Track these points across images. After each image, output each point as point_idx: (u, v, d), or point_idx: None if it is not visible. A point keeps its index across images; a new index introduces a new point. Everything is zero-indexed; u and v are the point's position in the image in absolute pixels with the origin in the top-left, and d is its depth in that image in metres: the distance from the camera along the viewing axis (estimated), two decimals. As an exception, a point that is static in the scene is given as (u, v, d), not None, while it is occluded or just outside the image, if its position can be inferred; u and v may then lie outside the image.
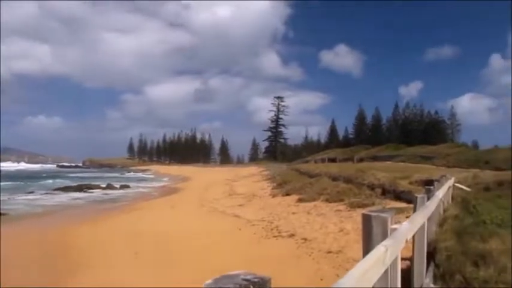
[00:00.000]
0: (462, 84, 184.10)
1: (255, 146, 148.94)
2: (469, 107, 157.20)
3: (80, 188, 43.22)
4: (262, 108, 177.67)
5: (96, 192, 41.31)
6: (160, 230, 15.34)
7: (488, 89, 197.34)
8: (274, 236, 13.45)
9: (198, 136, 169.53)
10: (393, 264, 2.68)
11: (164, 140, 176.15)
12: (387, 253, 2.20)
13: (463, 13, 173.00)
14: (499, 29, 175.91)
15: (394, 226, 2.88)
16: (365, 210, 3.35)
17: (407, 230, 2.96)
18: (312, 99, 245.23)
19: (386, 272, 2.59)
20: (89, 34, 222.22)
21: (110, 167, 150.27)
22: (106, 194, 39.81)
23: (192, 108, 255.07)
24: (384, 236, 2.69)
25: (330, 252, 10.94)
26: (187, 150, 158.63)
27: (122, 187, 48.02)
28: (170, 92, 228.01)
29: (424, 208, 4.49)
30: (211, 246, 12.23)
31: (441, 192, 8.25)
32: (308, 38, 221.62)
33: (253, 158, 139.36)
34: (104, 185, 47.81)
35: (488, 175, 20.02)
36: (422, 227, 4.47)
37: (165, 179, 71.75)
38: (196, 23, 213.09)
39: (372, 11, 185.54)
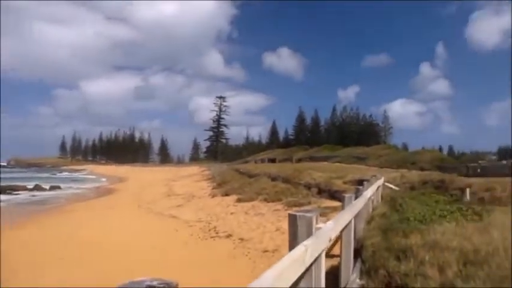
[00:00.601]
0: (395, 90, 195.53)
1: (196, 146, 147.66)
2: (400, 112, 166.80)
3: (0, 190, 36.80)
4: (204, 107, 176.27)
5: (23, 194, 37.10)
6: (92, 234, 14.68)
7: (418, 95, 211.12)
8: (212, 237, 13.41)
9: (137, 135, 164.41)
10: (317, 262, 2.77)
11: (100, 139, 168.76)
12: (307, 252, 2.27)
13: (397, 24, 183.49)
14: (428, 40, 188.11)
15: (319, 225, 2.98)
16: (294, 210, 3.44)
17: (331, 229, 3.08)
18: (254, 100, 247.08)
19: (309, 270, 2.67)
20: (20, 22, 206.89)
21: (39, 166, 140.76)
22: (34, 195, 36.24)
23: (131, 106, 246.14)
24: (309, 235, 2.78)
25: (266, 251, 11.11)
26: (125, 149, 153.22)
27: (52, 188, 44.17)
28: (108, 88, 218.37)
29: (351, 207, 4.69)
30: (146, 249, 11.92)
31: (370, 192, 8.66)
32: (252, 40, 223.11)
33: (194, 158, 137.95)
34: (30, 186, 43.50)
35: (414, 175, 21.39)
36: (349, 225, 4.66)
37: (102, 179, 68.67)
38: (139, 19, 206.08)
39: (316, 16, 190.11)
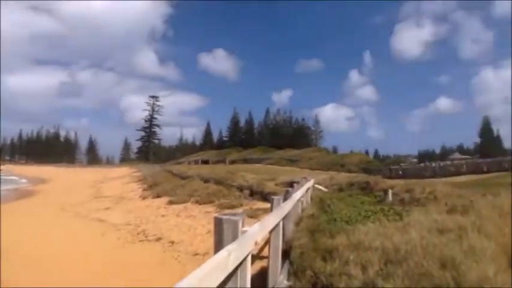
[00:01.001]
0: (326, 95, 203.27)
1: (126, 146, 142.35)
2: (331, 116, 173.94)
3: None
4: (136, 107, 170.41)
5: None
6: (7, 239, 13.46)
7: (347, 100, 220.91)
8: (140, 241, 12.90)
9: (62, 134, 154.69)
10: (242, 266, 2.70)
11: (20, 137, 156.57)
12: (230, 257, 2.18)
13: (328, 31, 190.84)
14: (357, 49, 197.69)
15: (245, 229, 2.91)
16: (220, 213, 3.34)
17: (257, 232, 3.02)
18: (188, 100, 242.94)
19: (234, 275, 2.59)
20: None
21: None
22: None
23: (55, 103, 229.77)
24: (235, 238, 2.70)
25: (196, 254, 10.89)
26: (49, 149, 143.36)
27: (-45, 190, 39.03)
28: (29, 83, 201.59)
29: (279, 209, 4.69)
30: (69, 255, 11.15)
31: (299, 194, 8.80)
32: (187, 40, 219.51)
33: (125, 159, 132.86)
34: None
35: (342, 177, 22.29)
36: (277, 227, 4.65)
37: (22, 180, 63.47)
38: (66, 11, 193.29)
39: (251, 19, 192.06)
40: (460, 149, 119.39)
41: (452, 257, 4.65)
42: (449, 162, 60.63)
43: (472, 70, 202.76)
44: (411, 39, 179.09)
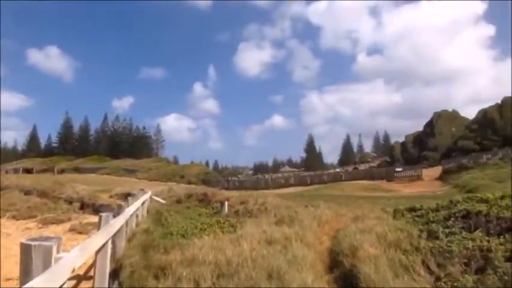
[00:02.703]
0: (169, 105, 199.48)
1: None
2: (174, 126, 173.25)
3: None
4: None
5: None
6: None
7: (190, 111, 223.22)
8: None
9: None
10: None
11: None
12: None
13: (174, 41, 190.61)
14: (202, 62, 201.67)
15: (61, 255, 2.53)
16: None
17: (75, 257, 2.67)
18: (9, 99, 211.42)
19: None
20: None
21: None
22: None
23: None
24: (47, 267, 2.31)
25: (9, 279, 9.35)
26: None
27: None
28: None
29: (108, 227, 4.32)
30: None
31: (133, 207, 8.37)
32: (14, 33, 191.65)
33: None
34: None
35: (181, 188, 22.21)
36: (104, 246, 4.27)
37: None
38: None
39: (92, 19, 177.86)
40: (289, 163, 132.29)
41: (278, 267, 4.96)
42: (280, 175, 66.34)
43: (301, 92, 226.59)
44: (252, 59, 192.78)
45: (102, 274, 4.38)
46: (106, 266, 4.39)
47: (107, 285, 4.55)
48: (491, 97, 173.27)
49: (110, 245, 4.51)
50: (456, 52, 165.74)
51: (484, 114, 47.91)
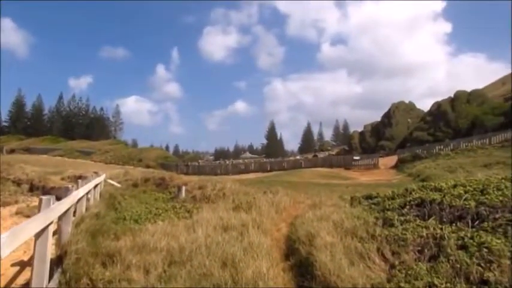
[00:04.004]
0: (130, 87, 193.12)
1: None
2: (134, 108, 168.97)
3: None
4: None
5: None
6: None
7: (152, 94, 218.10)
8: None
9: None
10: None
11: None
12: None
13: (138, 22, 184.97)
14: (166, 44, 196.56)
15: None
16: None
17: (1, 245, 2.36)
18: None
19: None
20: None
21: None
22: None
23: None
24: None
25: None
26: None
27: None
28: None
29: (48, 211, 3.98)
30: None
31: (82, 191, 7.96)
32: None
33: None
34: None
35: (138, 172, 21.62)
36: (44, 231, 3.94)
37: None
38: None
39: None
40: (250, 149, 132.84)
41: (232, 255, 4.81)
42: (240, 161, 66.38)
43: (265, 79, 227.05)
44: (217, 43, 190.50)
45: (42, 261, 4.05)
46: (46, 253, 4.06)
47: (47, 274, 4.23)
48: (446, 91, 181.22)
49: (50, 231, 4.17)
50: (415, 47, 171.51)
51: (437, 107, 49.73)
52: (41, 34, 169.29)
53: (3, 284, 5.33)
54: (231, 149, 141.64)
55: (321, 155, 63.29)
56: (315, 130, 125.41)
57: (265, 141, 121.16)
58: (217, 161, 76.72)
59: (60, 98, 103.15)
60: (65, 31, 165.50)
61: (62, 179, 19.03)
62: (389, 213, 5.83)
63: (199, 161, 75.30)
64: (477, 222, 4.64)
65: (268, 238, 5.92)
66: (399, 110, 59.74)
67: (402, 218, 5.42)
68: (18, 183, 19.20)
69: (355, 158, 42.62)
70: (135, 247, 5.50)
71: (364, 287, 3.82)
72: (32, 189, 18.33)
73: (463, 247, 4.08)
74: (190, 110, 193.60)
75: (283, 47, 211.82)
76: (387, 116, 60.38)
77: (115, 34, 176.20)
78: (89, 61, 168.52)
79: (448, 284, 3.55)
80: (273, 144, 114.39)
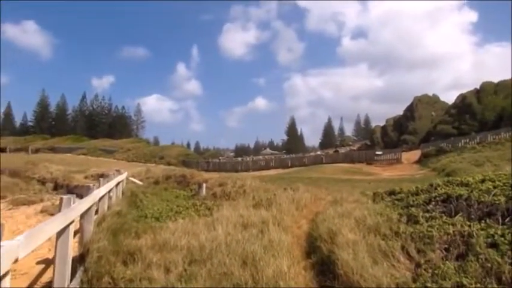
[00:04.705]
0: (150, 85, 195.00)
1: None
2: (155, 106, 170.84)
3: None
4: None
5: None
6: None
7: (172, 92, 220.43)
8: None
9: None
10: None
11: None
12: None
13: (157, 21, 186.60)
14: (186, 42, 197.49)
15: (3, 243, 2.23)
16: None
17: (17, 247, 2.35)
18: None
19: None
20: None
21: None
22: None
23: None
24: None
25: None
26: None
27: None
28: None
29: (68, 211, 4.00)
30: None
31: (104, 189, 8.05)
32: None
33: None
34: None
35: (159, 169, 21.85)
36: (64, 231, 3.96)
37: None
38: None
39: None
40: (271, 145, 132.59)
41: (253, 253, 4.75)
42: (261, 157, 66.32)
43: (284, 75, 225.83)
44: (237, 40, 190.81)
45: (63, 261, 4.08)
46: (67, 252, 4.09)
47: (68, 273, 4.27)
48: (471, 82, 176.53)
49: (71, 230, 4.20)
50: (438, 38, 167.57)
51: (462, 99, 48.49)
52: (64, 35, 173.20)
53: (27, 283, 5.42)
54: (252, 145, 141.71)
55: (342, 150, 62.71)
56: (336, 125, 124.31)
57: (285, 137, 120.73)
58: (238, 158, 76.89)
59: (83, 97, 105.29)
60: (86, 32, 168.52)
61: (86, 177, 19.41)
62: (413, 209, 5.66)
63: (220, 157, 75.68)
64: (508, 219, 4.43)
65: (289, 235, 5.85)
66: (422, 103, 58.55)
67: (427, 215, 5.25)
68: (43, 181, 19.71)
69: (377, 153, 42.00)
70: (156, 245, 5.51)
71: (389, 286, 3.69)
72: (57, 187, 18.79)
73: (493, 245, 3.90)
74: (210, 107, 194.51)
75: (302, 42, 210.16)
76: (410, 109, 59.28)
77: (135, 34, 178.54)
78: (111, 61, 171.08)
79: (478, 285, 3.39)
80: (294, 140, 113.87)
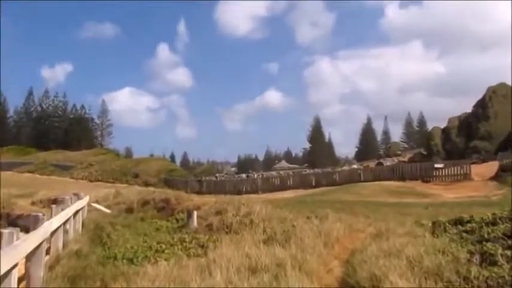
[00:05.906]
0: (121, 75, 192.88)
1: None
2: (127, 104, 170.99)
3: None
4: None
5: None
6: None
7: (151, 84, 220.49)
8: None
9: None
10: None
11: None
12: None
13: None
14: (169, 16, 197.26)
15: None
16: None
17: None
18: None
19: None
20: None
21: None
22: None
23: None
24: None
25: None
26: None
27: None
28: None
29: (9, 250, 4.04)
30: None
31: (60, 219, 8.10)
32: None
33: None
34: None
35: (133, 192, 21.92)
36: (4, 279, 3.99)
37: None
38: None
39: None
40: (288, 156, 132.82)
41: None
42: (274, 173, 66.36)
43: (306, 59, 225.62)
44: (240, 12, 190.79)
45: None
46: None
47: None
48: None
49: (13, 276, 4.22)
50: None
51: (556, 90, 48.36)
52: (2, 12, 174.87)
53: None
54: (261, 157, 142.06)
55: (387, 162, 62.61)
56: (378, 128, 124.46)
57: (308, 145, 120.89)
58: (242, 175, 77.08)
59: (30, 94, 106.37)
60: (35, 7, 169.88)
61: (33, 203, 19.55)
62: (489, 245, 5.65)
63: (217, 174, 75.90)
64: None
65: (315, 283, 5.83)
66: (498, 96, 58.26)
67: (509, 253, 5.24)
68: (-27, 210, 19.83)
69: (436, 165, 41.83)
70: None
71: None
72: (-7, 218, 18.89)
73: None
74: (204, 104, 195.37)
75: (332, 12, 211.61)
76: (481, 105, 59.05)
77: (100, 6, 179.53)
78: (67, 43, 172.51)
79: None
80: (319, 149, 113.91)
